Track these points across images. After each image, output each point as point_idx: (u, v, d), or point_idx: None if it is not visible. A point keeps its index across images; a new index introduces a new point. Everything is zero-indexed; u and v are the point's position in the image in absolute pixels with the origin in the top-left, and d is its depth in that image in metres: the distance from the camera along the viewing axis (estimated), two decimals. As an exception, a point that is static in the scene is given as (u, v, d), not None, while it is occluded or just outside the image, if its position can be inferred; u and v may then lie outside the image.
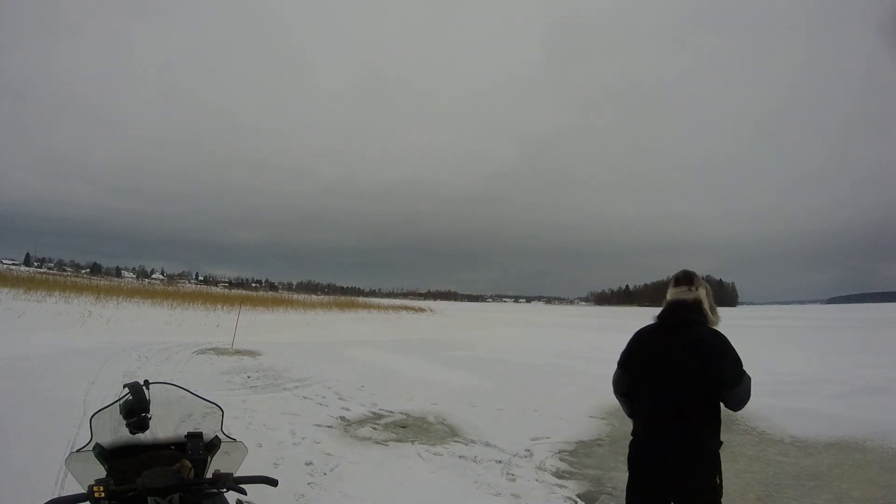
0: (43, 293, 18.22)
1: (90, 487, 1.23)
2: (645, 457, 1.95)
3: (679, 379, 1.91)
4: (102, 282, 32.63)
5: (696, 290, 2.06)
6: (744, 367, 1.94)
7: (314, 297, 40.51)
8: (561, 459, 4.34)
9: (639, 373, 2.06)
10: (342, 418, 5.55)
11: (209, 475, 1.49)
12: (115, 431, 1.54)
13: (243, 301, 22.44)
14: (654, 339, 2.06)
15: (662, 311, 2.10)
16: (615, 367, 2.15)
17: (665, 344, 2.00)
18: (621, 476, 3.96)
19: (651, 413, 1.97)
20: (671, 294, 2.11)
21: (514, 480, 3.83)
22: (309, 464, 3.96)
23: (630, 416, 2.11)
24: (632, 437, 2.02)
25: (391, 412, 5.91)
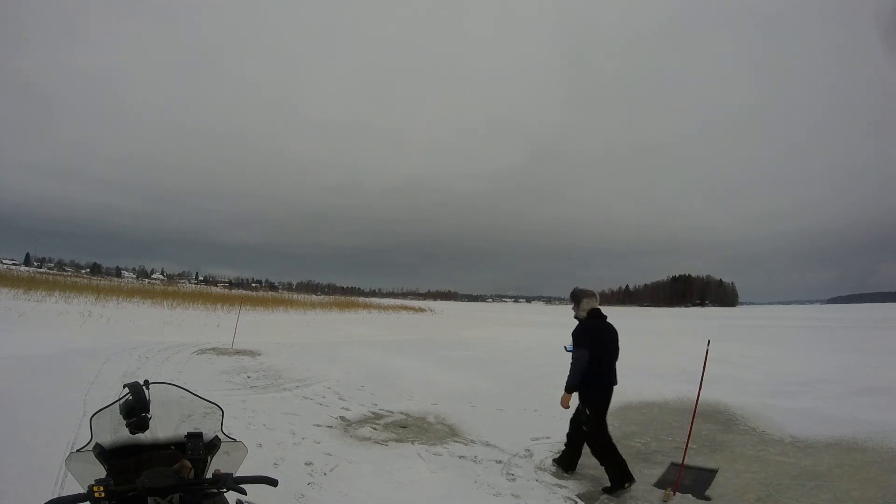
0: (43, 293, 18.21)
1: (90, 487, 1.23)
2: (609, 387, 3.92)
3: (615, 347, 4.00)
4: (102, 282, 32.60)
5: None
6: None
7: (314, 297, 40.47)
8: (561, 459, 4.34)
9: (602, 347, 3.90)
10: (342, 418, 5.55)
11: (209, 475, 1.49)
12: (115, 431, 1.54)
13: (243, 301, 22.43)
14: (597, 326, 3.97)
15: (598, 311, 4.05)
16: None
17: (604, 328, 3.99)
18: (621, 476, 3.97)
19: (610, 365, 3.92)
20: (595, 302, 4.09)
21: (514, 480, 3.84)
22: (309, 464, 3.96)
23: (583, 371, 3.81)
24: (597, 380, 3.85)
25: (391, 412, 5.91)
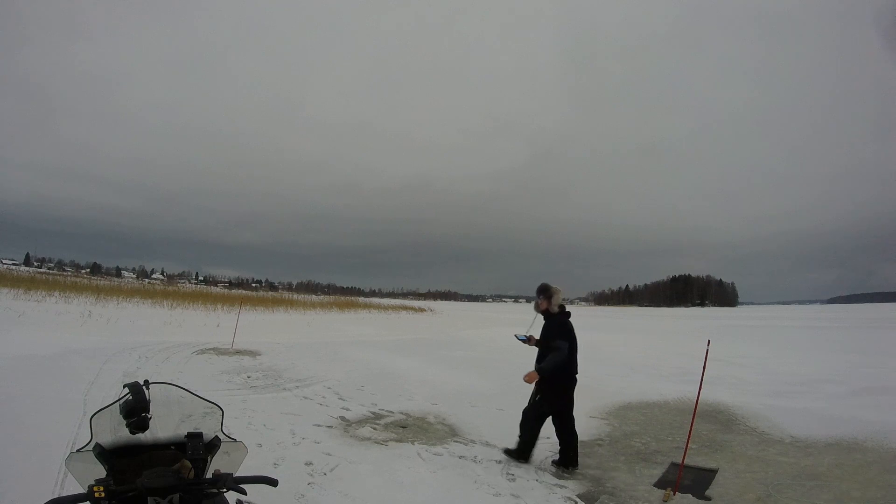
0: (43, 293, 18.20)
1: (90, 487, 1.23)
2: (573, 378, 4.18)
3: (576, 340, 4.22)
4: (102, 282, 32.58)
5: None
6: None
7: (314, 297, 40.47)
8: (561, 459, 4.34)
9: (572, 339, 4.15)
10: (342, 418, 5.55)
11: (209, 475, 1.49)
12: (115, 431, 1.54)
13: (243, 301, 22.44)
14: (568, 322, 4.21)
15: (563, 308, 4.28)
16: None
17: (570, 324, 4.21)
18: (621, 476, 3.98)
19: (575, 359, 4.17)
20: (562, 298, 4.28)
21: (513, 480, 3.84)
22: (309, 464, 3.96)
23: (562, 363, 4.04)
24: (565, 370, 4.10)
25: (391, 412, 5.90)
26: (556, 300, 4.25)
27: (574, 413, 4.25)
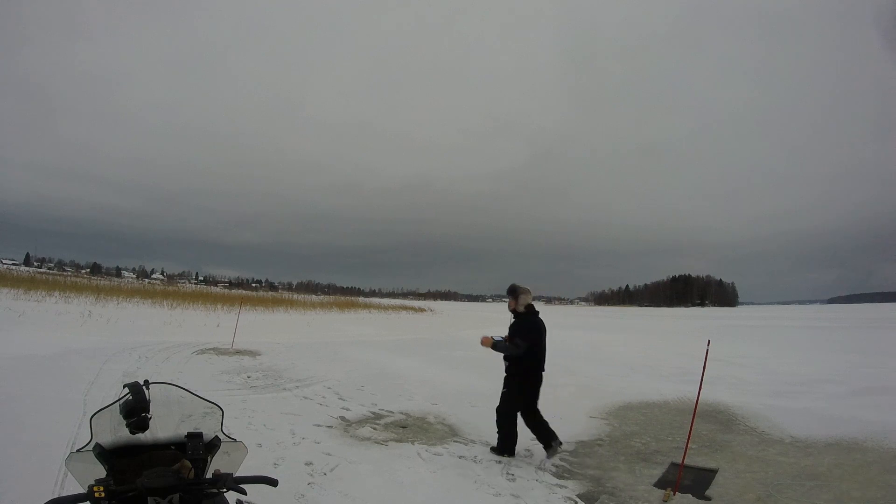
0: (43, 293, 18.20)
1: (90, 487, 1.23)
2: (539, 374, 4.41)
3: (544, 339, 4.41)
4: (102, 282, 32.55)
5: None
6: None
7: (314, 297, 40.46)
8: (561, 459, 4.35)
9: (539, 338, 4.36)
10: (342, 418, 5.55)
11: (209, 475, 1.49)
12: (115, 431, 1.54)
13: (243, 301, 22.44)
14: (536, 321, 4.41)
15: (532, 307, 4.45)
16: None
17: (539, 323, 4.41)
18: (622, 476, 3.98)
19: (542, 357, 4.37)
20: (530, 298, 4.47)
21: (513, 480, 3.84)
22: (309, 464, 3.96)
23: (517, 356, 4.30)
24: (529, 369, 4.34)
25: (391, 412, 5.90)
26: (524, 300, 4.44)
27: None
